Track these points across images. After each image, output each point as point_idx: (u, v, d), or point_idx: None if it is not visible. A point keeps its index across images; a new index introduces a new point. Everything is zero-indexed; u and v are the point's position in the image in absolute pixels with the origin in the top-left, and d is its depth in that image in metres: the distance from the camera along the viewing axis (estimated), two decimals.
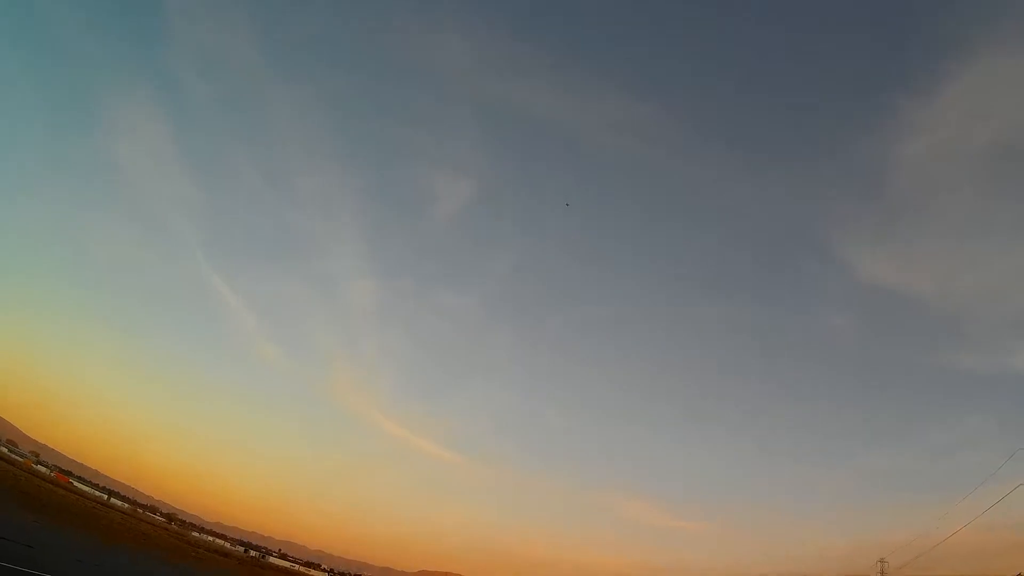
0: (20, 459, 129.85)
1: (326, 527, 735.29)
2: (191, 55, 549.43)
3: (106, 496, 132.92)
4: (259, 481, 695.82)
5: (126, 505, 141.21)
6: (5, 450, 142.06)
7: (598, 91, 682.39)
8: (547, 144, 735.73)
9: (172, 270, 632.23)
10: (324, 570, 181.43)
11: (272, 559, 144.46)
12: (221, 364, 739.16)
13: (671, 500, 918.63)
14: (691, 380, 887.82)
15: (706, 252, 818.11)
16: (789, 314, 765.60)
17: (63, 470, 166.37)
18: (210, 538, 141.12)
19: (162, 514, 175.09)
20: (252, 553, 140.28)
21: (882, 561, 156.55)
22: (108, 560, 26.92)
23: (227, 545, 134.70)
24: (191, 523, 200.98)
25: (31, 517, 31.97)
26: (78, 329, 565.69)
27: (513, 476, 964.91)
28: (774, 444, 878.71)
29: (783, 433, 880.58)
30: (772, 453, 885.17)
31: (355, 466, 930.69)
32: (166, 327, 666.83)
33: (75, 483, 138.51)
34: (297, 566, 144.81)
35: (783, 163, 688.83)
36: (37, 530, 27.07)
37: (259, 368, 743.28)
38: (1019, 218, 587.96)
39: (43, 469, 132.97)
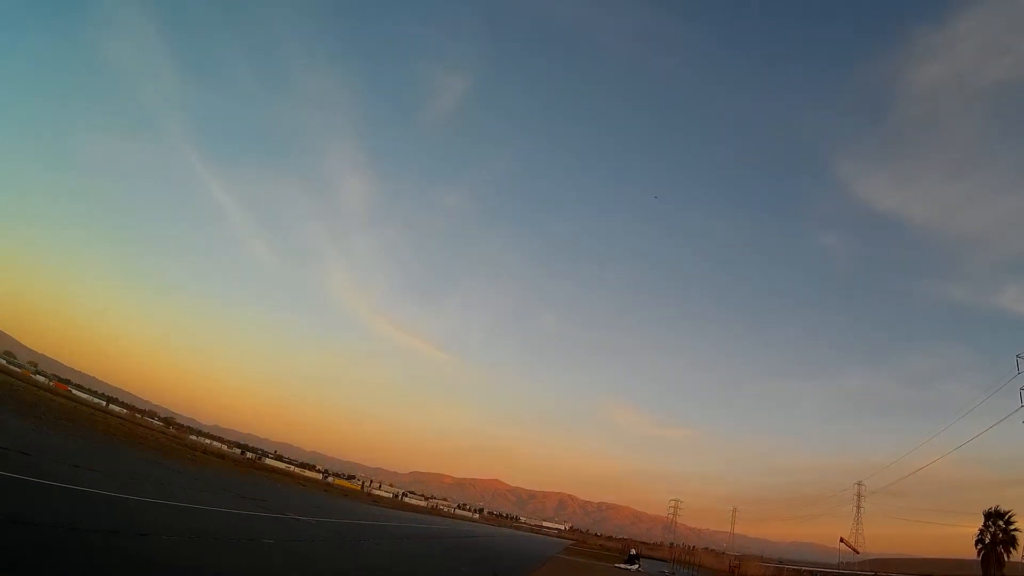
0: (18, 369, 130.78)
1: (321, 429, 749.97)
2: None
3: (105, 403, 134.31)
4: (255, 384, 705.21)
5: (124, 411, 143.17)
6: (3, 361, 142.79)
7: None
8: (554, 47, 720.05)
9: (163, 170, 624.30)
10: (319, 471, 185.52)
11: (268, 460, 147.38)
12: (214, 266, 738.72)
13: (657, 408, 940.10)
14: (683, 291, 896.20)
15: (709, 164, 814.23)
16: (783, 229, 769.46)
17: (61, 379, 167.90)
18: (207, 440, 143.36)
19: (160, 418, 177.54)
20: (249, 454, 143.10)
21: (859, 484, 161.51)
22: (106, 464, 27.95)
23: (224, 447, 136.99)
24: (188, 426, 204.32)
25: (29, 425, 32.91)
26: (69, 235, 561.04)
27: (506, 378, 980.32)
28: (758, 357, 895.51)
29: (768, 346, 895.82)
30: (756, 366, 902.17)
31: (349, 367, 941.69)
32: (158, 229, 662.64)
33: (73, 391, 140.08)
34: (292, 467, 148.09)
35: (793, 79, 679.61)
36: (35, 437, 27.97)
37: (252, 269, 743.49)
38: (1022, 159, 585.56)
39: (41, 378, 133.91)
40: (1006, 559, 72.51)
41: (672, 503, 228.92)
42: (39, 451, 22.79)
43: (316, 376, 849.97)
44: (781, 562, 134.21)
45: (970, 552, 78.58)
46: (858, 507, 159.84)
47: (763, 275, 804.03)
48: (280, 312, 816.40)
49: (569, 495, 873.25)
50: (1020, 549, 69.99)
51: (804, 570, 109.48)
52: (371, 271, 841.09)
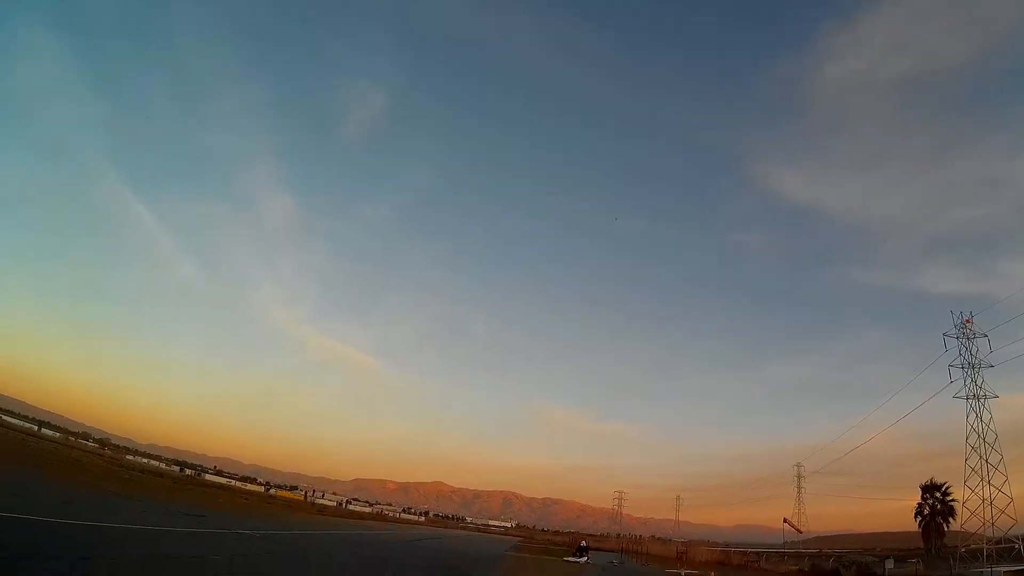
0: None
1: (260, 442, 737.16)
2: None
3: (37, 427, 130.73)
4: (189, 402, 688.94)
5: (57, 434, 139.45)
6: None
7: (524, 4, 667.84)
8: (470, 56, 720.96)
9: (83, 194, 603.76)
10: (260, 484, 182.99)
11: (208, 476, 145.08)
12: (143, 288, 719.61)
13: (594, 405, 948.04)
14: (612, 293, 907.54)
15: (628, 165, 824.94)
16: (704, 227, 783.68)
17: None
18: (144, 460, 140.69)
19: (95, 440, 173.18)
20: (188, 471, 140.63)
21: (798, 465, 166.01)
22: (39, 491, 27.70)
23: (162, 465, 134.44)
24: (124, 447, 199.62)
25: None
26: None
27: (441, 383, 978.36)
28: (690, 352, 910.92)
29: (699, 341, 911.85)
30: (689, 360, 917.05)
31: (285, 381, 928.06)
32: (80, 254, 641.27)
33: (3, 416, 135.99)
34: (233, 481, 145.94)
35: (706, 79, 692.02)
36: None
37: (181, 289, 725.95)
38: (931, 147, 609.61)
39: None
40: (946, 528, 75.62)
41: (616, 495, 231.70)
42: None
43: (252, 391, 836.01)
44: (728, 545, 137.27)
45: (911, 525, 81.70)
46: (799, 488, 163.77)
47: (688, 272, 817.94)
48: (212, 330, 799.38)
49: (514, 493, 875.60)
50: (958, 518, 72.95)
51: (750, 551, 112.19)
52: (300, 286, 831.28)
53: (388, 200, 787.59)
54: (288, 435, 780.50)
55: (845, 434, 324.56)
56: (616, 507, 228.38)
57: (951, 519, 74.75)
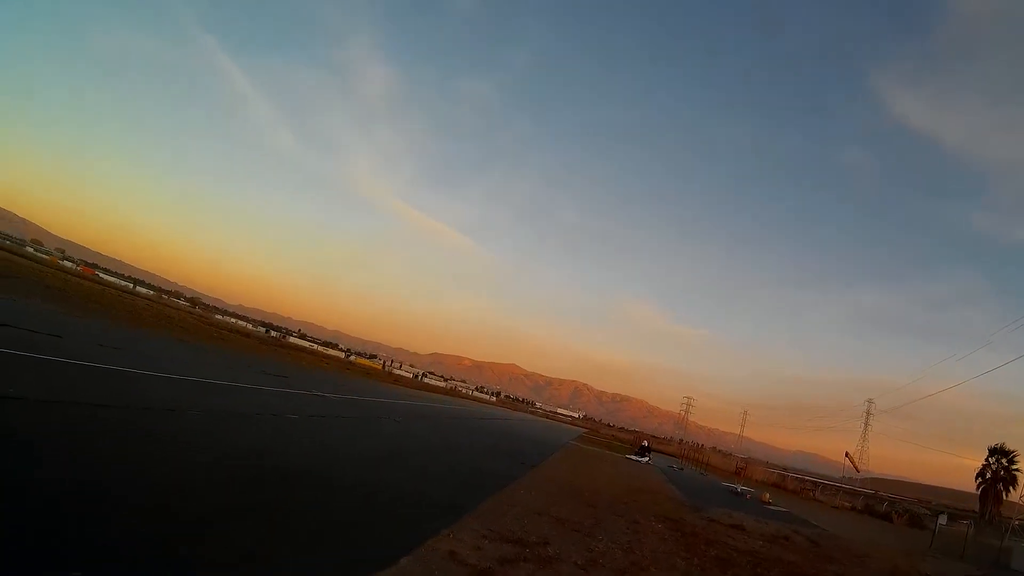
0: (46, 256, 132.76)
1: (343, 310, 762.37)
2: None
3: (132, 285, 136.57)
4: (278, 266, 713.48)
5: (151, 292, 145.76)
6: (31, 249, 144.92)
7: None
8: None
9: (183, 57, 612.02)
10: (341, 350, 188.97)
11: (292, 339, 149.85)
12: (239, 153, 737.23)
13: (673, 306, 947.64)
14: (704, 194, 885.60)
15: (735, 67, 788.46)
16: (809, 138, 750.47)
17: (89, 263, 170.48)
18: (232, 319, 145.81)
19: (186, 299, 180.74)
20: (272, 333, 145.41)
21: (870, 401, 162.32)
22: (133, 343, 28.56)
23: (248, 326, 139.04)
24: (214, 306, 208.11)
25: (59, 309, 33.54)
26: (90, 124, 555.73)
27: (526, 267, 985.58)
28: (775, 266, 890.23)
29: (784, 256, 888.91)
30: (773, 274, 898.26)
31: (373, 251, 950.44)
32: (179, 117, 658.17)
33: (101, 275, 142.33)
34: (315, 346, 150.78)
35: None
36: (64, 320, 28.52)
37: (276, 156, 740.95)
38: None
39: (69, 264, 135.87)
40: (1004, 497, 73.54)
41: (685, 400, 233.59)
42: (68, 334, 23.27)
43: (340, 260, 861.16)
44: (785, 469, 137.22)
45: (970, 485, 79.70)
46: (866, 425, 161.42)
47: (784, 184, 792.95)
48: (304, 198, 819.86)
49: (584, 384, 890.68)
50: (1020, 488, 70.71)
51: (807, 479, 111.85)
52: (394, 159, 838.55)
53: (489, 78, 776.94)
54: (372, 305, 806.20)
55: (922, 378, 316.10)
56: (683, 412, 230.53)
57: (1012, 488, 72.50)
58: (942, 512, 58.18)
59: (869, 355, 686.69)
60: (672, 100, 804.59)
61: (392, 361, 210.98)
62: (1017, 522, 64.33)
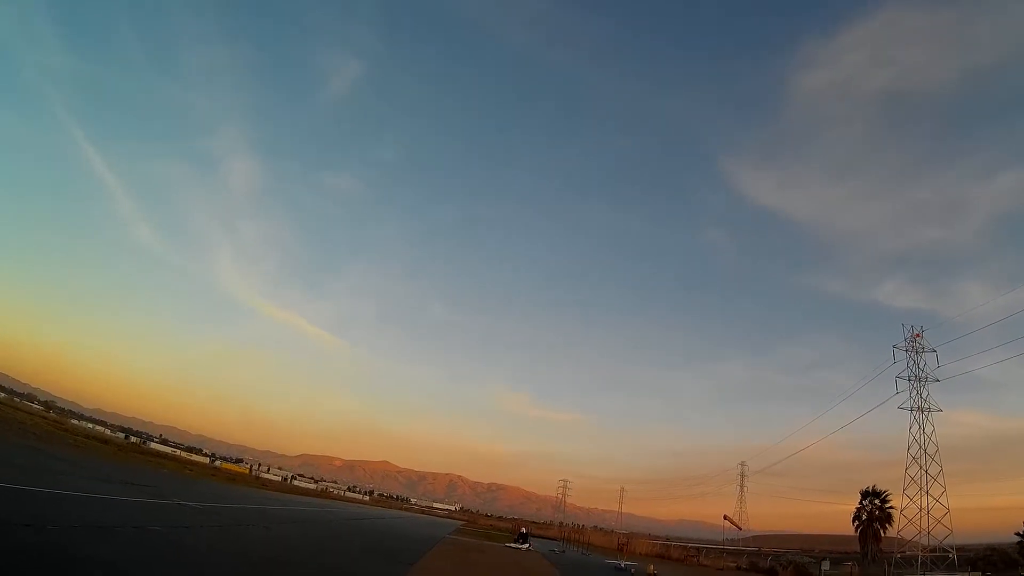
0: None
1: (207, 413, 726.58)
2: None
3: None
4: (138, 367, 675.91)
5: (1, 394, 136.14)
6: None
7: None
8: (449, 34, 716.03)
9: (43, 146, 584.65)
10: (206, 455, 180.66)
11: (153, 444, 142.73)
12: (97, 246, 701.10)
13: (544, 394, 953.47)
14: (569, 281, 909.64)
15: (598, 155, 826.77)
16: (671, 223, 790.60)
17: None
18: (90, 424, 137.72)
19: (40, 402, 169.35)
20: (133, 439, 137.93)
21: (742, 464, 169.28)
22: None
23: (107, 431, 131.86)
24: (70, 410, 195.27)
25: None
26: None
27: (395, 362, 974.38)
28: (644, 346, 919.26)
29: (652, 337, 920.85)
30: (641, 355, 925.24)
31: (236, 351, 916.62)
32: (37, 205, 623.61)
33: None
34: (178, 451, 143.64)
35: (686, 79, 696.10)
36: None
37: (136, 250, 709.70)
38: (903, 163, 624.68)
39: None
40: (882, 534, 77.51)
41: (561, 484, 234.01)
42: None
43: (203, 360, 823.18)
44: (668, 539, 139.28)
45: (849, 528, 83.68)
46: (741, 486, 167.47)
47: (650, 265, 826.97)
48: (165, 294, 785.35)
49: (459, 476, 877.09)
50: (895, 525, 74.74)
51: (690, 546, 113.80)
52: (258, 255, 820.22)
53: (355, 173, 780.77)
54: (236, 406, 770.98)
55: (790, 437, 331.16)
56: (560, 495, 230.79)
57: (888, 525, 76.65)
58: (824, 558, 60.49)
59: (739, 420, 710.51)
60: (535, 187, 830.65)
61: (259, 465, 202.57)
62: (899, 555, 67.50)
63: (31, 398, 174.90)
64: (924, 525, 67.59)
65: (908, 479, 70.88)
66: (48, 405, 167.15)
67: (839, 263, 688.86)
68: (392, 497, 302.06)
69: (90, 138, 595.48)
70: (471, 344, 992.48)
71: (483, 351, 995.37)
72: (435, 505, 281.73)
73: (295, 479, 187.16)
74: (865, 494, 79.94)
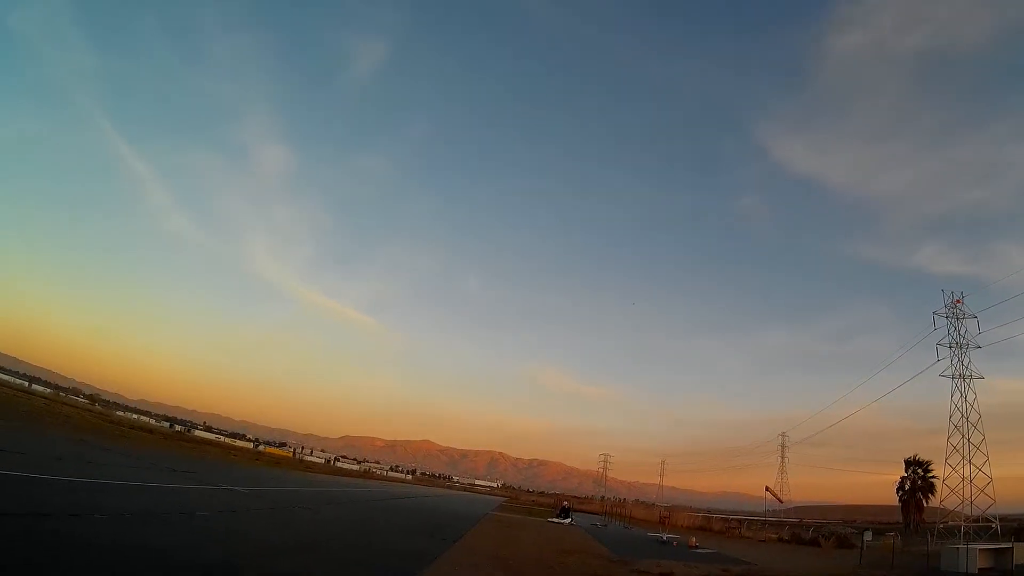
0: None
1: (250, 399, 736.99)
2: None
3: (27, 383, 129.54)
4: (179, 357, 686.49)
5: (47, 390, 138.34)
6: None
7: None
8: (474, 9, 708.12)
9: (77, 142, 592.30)
10: (249, 440, 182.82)
11: (197, 432, 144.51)
12: (134, 239, 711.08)
13: (583, 368, 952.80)
14: (606, 253, 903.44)
15: (632, 126, 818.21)
16: (706, 191, 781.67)
17: None
18: (134, 415, 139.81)
19: (85, 396, 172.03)
20: (177, 427, 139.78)
21: (783, 435, 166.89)
22: (31, 446, 27.19)
23: (152, 421, 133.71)
24: (114, 402, 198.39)
25: None
26: None
27: (433, 341, 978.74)
28: (683, 318, 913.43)
29: (691, 307, 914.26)
30: (681, 326, 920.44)
31: (276, 336, 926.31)
32: (74, 203, 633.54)
33: None
34: (222, 437, 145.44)
35: (717, 45, 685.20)
36: None
37: (174, 241, 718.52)
38: (940, 124, 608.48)
39: None
40: (925, 504, 76.22)
41: (602, 458, 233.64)
42: None
43: (243, 347, 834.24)
44: (710, 512, 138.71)
45: (890, 499, 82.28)
46: (782, 457, 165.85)
47: (686, 237, 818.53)
48: (203, 283, 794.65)
49: (500, 453, 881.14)
50: (938, 495, 73.33)
51: (731, 518, 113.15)
52: (293, 240, 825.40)
53: (385, 152, 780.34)
54: (278, 391, 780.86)
55: (831, 406, 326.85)
56: (601, 470, 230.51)
57: (931, 495, 75.24)
58: (867, 529, 59.62)
59: (778, 391, 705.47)
60: (568, 161, 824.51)
61: (303, 448, 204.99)
62: (942, 525, 66.37)
63: (76, 392, 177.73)
64: (967, 495, 66.02)
65: (950, 448, 69.06)
66: (93, 398, 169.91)
67: (877, 229, 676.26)
68: (434, 476, 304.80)
69: (123, 134, 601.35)
70: (509, 322, 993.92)
71: (521, 328, 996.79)
72: (477, 482, 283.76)
73: (338, 461, 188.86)
74: (909, 463, 78.48)
